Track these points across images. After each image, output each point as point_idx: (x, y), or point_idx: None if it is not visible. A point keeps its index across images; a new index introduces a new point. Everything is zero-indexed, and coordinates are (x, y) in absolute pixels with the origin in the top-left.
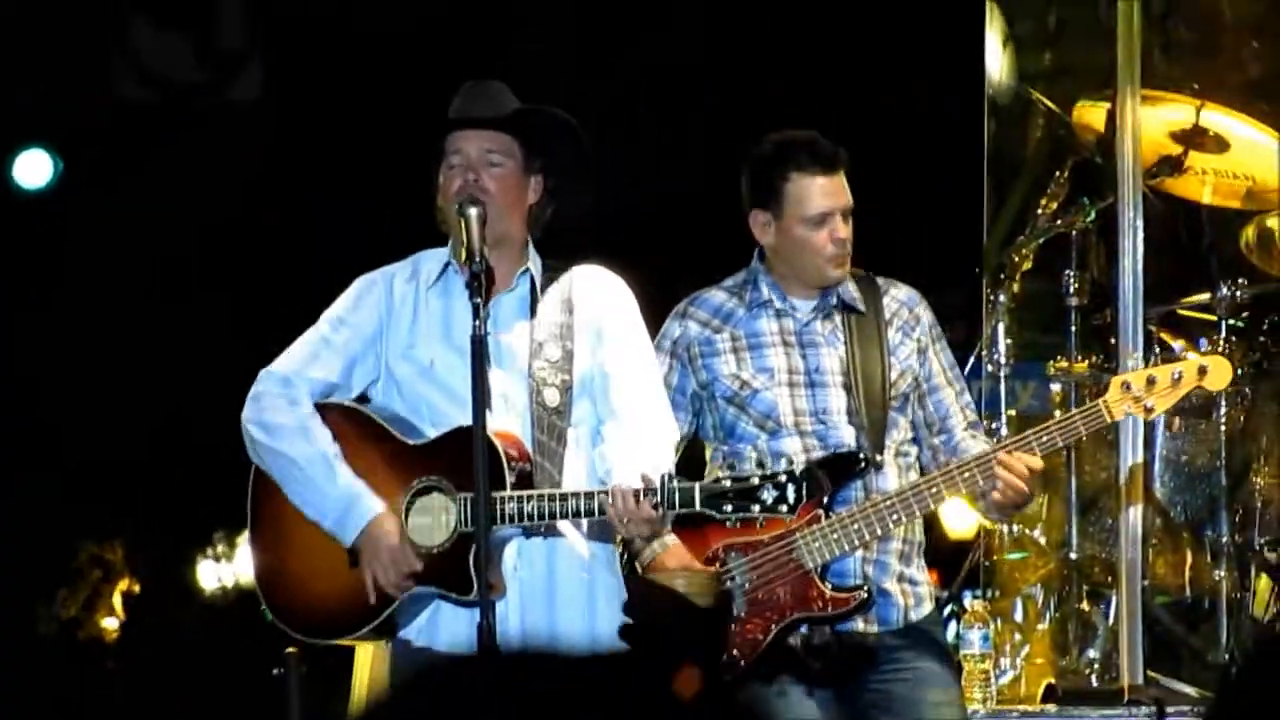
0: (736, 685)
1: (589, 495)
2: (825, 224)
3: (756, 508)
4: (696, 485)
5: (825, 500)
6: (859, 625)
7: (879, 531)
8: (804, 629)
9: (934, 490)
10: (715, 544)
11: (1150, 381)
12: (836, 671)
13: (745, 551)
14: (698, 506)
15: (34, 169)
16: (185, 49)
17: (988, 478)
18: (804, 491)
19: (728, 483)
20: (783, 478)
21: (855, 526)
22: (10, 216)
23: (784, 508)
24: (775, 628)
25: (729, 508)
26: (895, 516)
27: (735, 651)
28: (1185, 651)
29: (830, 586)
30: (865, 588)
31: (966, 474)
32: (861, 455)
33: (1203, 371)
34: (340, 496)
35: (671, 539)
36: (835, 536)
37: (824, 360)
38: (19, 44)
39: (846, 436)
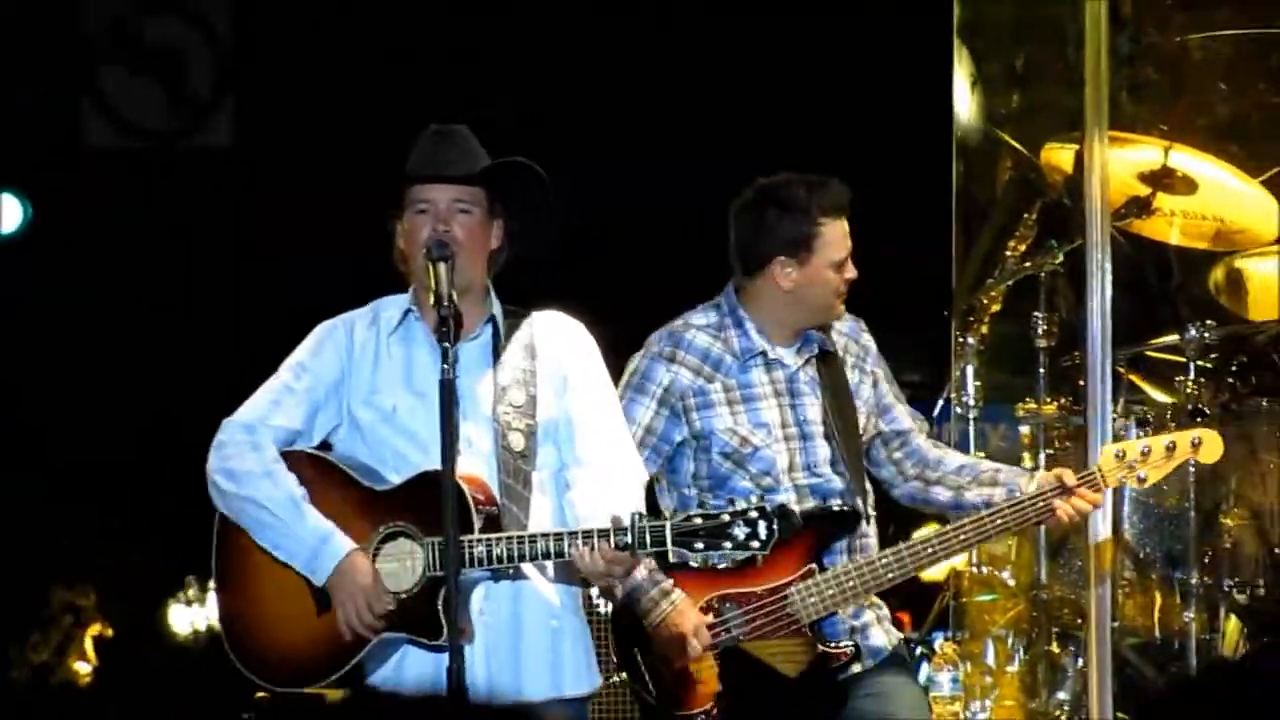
0: None
1: (558, 536)
2: (843, 267)
3: (729, 544)
4: (667, 524)
5: (819, 555)
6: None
7: (873, 588)
8: None
9: (930, 552)
10: (710, 594)
11: (1145, 452)
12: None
13: (740, 603)
14: (669, 545)
15: (3, 214)
16: (157, 96)
17: (1025, 516)
18: (775, 528)
19: (699, 520)
20: (754, 514)
21: (850, 583)
22: None
23: (756, 544)
24: (766, 679)
25: (700, 545)
26: (891, 575)
27: (718, 707)
28: (1154, 694)
29: (821, 641)
30: (853, 643)
31: (1003, 518)
32: (855, 512)
33: (1195, 445)
34: (310, 537)
35: (679, 595)
36: (830, 593)
37: (808, 411)
38: None
39: (837, 487)
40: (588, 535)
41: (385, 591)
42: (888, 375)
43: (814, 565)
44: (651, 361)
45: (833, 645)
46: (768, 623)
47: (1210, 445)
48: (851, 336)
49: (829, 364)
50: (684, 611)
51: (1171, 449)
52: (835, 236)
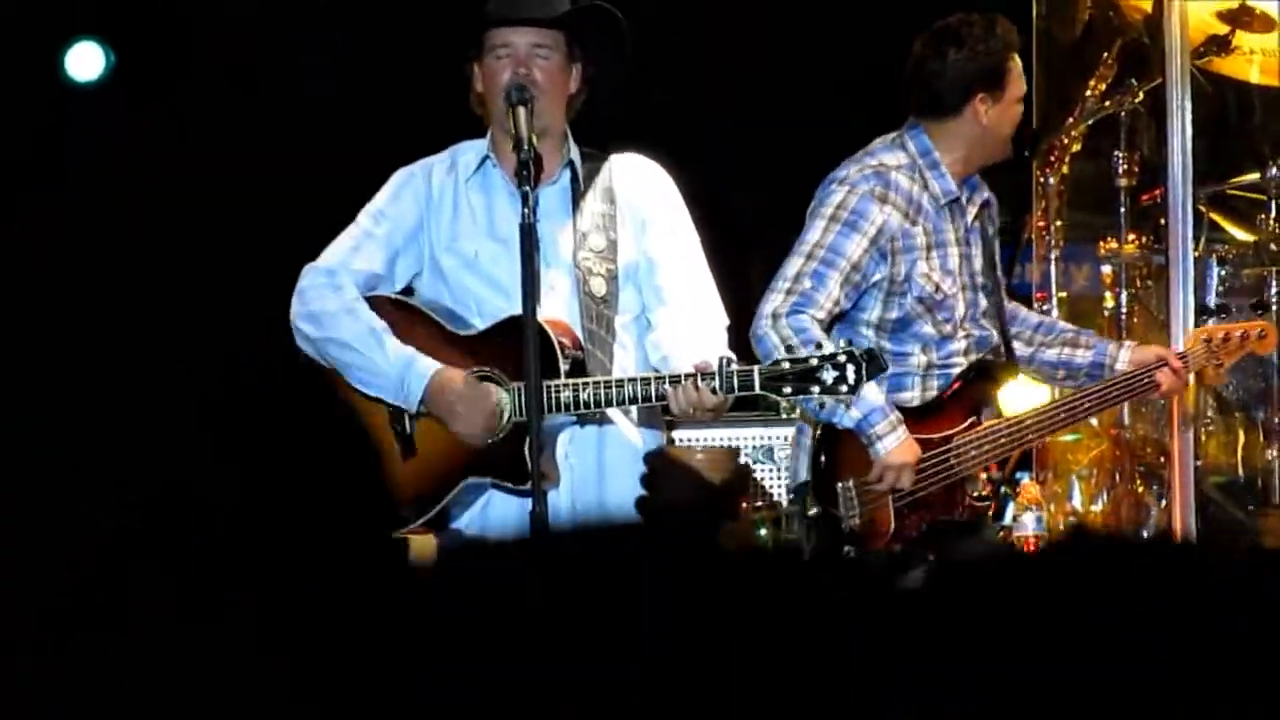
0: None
1: (645, 381)
2: (1021, 102)
3: (816, 388)
4: (755, 368)
5: (980, 409)
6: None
7: (1018, 445)
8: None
9: (1062, 417)
10: None
11: (1225, 339)
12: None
13: (920, 449)
14: (757, 389)
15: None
16: None
17: (1133, 389)
18: (863, 371)
19: (786, 364)
20: (841, 358)
21: (1000, 439)
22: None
23: (844, 387)
24: (925, 525)
25: (788, 389)
26: (1031, 435)
27: (895, 545)
28: (1238, 532)
29: (970, 494)
30: (996, 501)
31: (1117, 390)
32: (1013, 364)
33: (1261, 336)
34: (394, 364)
35: (904, 428)
36: (986, 447)
37: (975, 261)
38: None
39: (994, 340)
40: (675, 379)
41: (491, 396)
42: None
43: (976, 418)
44: (863, 199)
45: (979, 500)
46: (936, 469)
47: (1270, 338)
48: (992, 198)
49: (984, 220)
50: (912, 443)
51: (1244, 339)
52: (1019, 70)
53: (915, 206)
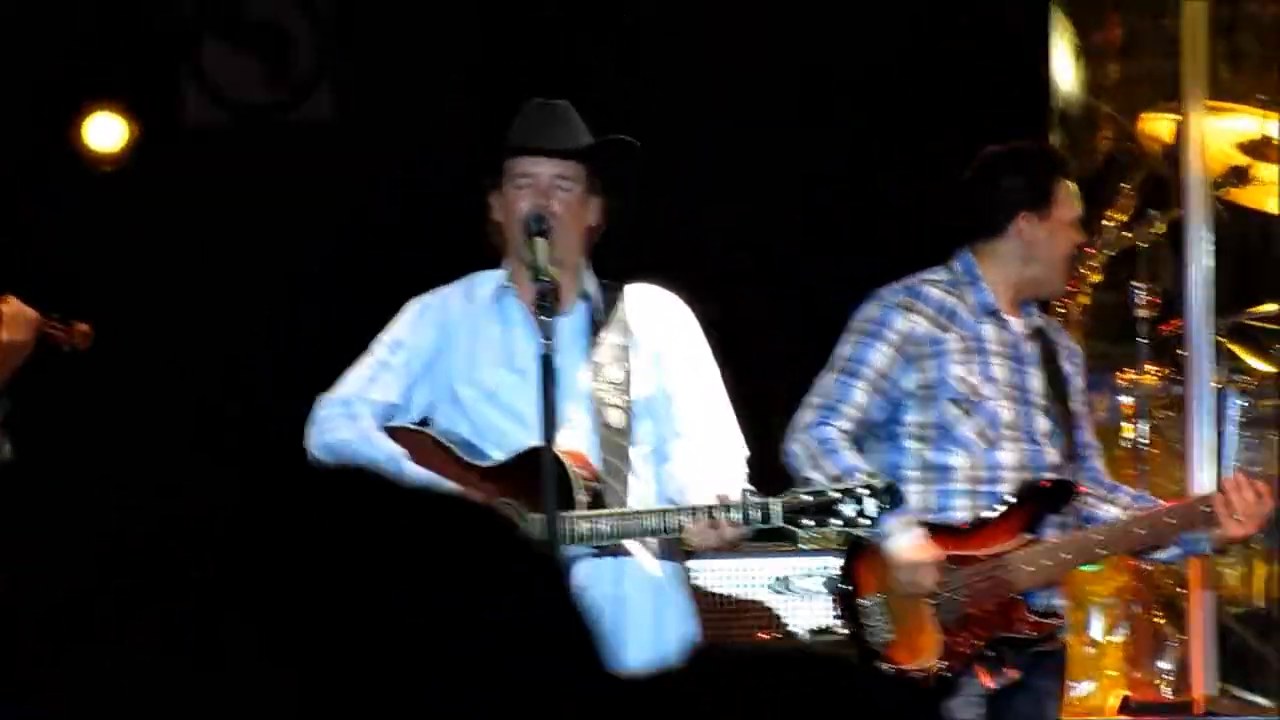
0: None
1: (664, 513)
2: (1078, 228)
3: (837, 521)
4: (775, 501)
5: (1039, 528)
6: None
7: (1083, 562)
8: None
9: (1140, 534)
10: (943, 551)
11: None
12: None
13: (961, 565)
14: (777, 522)
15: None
16: (255, 70)
17: (1204, 520)
18: (883, 505)
19: (807, 497)
20: (862, 491)
21: (1064, 555)
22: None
23: (865, 520)
24: (981, 644)
25: (809, 521)
26: (1101, 551)
27: (944, 662)
28: (1259, 663)
29: (1031, 610)
30: (1060, 615)
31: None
32: (1071, 486)
33: None
34: None
35: (920, 530)
36: (1045, 563)
37: (1031, 380)
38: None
39: (1052, 459)
40: (695, 511)
41: None
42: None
43: (1031, 536)
44: (886, 310)
45: (1043, 616)
46: (987, 586)
47: None
48: (1060, 331)
49: (1045, 343)
50: (926, 544)
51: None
52: (1070, 193)
53: (947, 314)
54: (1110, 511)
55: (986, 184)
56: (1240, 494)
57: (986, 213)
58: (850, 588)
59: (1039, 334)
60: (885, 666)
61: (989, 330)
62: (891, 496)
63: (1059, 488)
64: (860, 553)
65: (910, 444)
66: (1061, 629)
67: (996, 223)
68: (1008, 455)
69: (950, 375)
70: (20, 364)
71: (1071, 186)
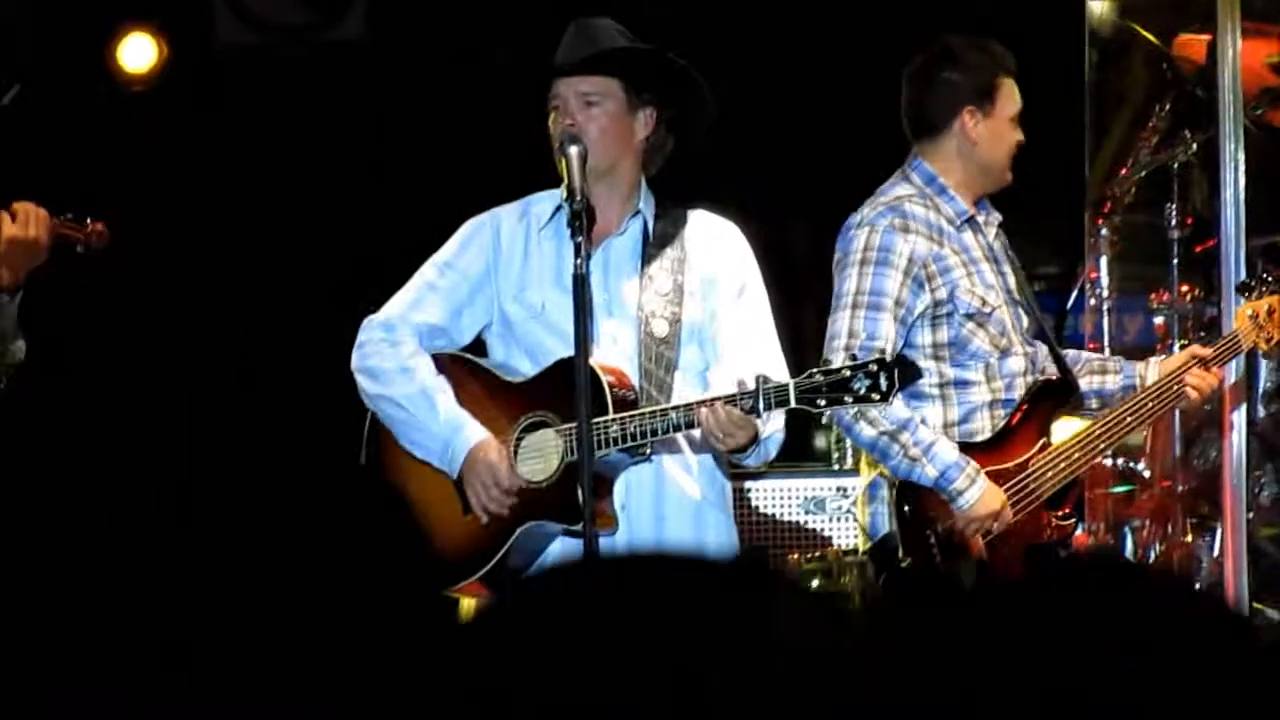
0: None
1: (688, 407)
2: (1017, 125)
3: (849, 398)
4: (790, 382)
5: (1048, 429)
6: None
7: (1091, 461)
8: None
9: (1130, 422)
10: None
11: (1270, 312)
12: None
13: (1000, 479)
14: (793, 403)
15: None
16: None
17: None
18: (895, 378)
19: (820, 376)
20: (873, 366)
21: (1074, 454)
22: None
23: (876, 395)
24: (1015, 556)
25: (823, 401)
26: (1102, 445)
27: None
28: None
29: (1055, 515)
30: (1072, 515)
31: (1153, 402)
32: (1072, 382)
33: None
34: (442, 429)
35: (984, 476)
36: (1062, 464)
37: (1009, 279)
38: None
39: (1043, 352)
40: (713, 399)
41: (514, 472)
42: None
43: (1047, 438)
44: (886, 234)
45: (1062, 518)
46: (1018, 499)
47: None
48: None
49: (1001, 234)
50: (995, 491)
51: None
52: (1011, 89)
53: (936, 230)
54: (1106, 384)
55: (929, 81)
56: (1203, 378)
57: (930, 110)
58: (912, 515)
59: (1000, 227)
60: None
61: (969, 238)
62: (904, 369)
63: (1062, 385)
64: (914, 486)
65: (928, 363)
66: (1077, 526)
67: (940, 120)
68: (1016, 360)
69: (960, 290)
70: (37, 263)
71: (1013, 83)
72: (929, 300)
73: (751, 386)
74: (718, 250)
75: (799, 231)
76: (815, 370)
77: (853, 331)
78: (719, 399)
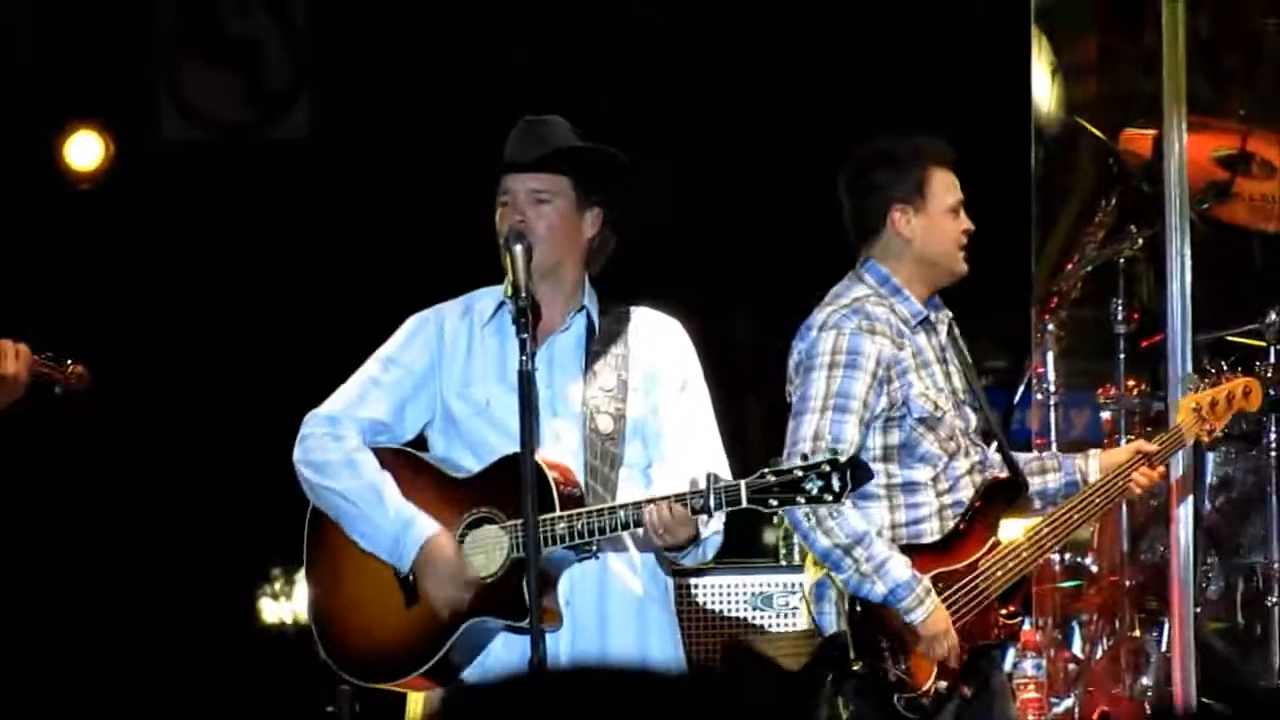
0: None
1: (636, 505)
2: (958, 215)
3: (802, 498)
4: (741, 482)
5: (997, 528)
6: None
7: (1039, 559)
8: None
9: (1077, 519)
10: (926, 574)
11: (1212, 404)
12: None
13: (950, 581)
14: (744, 503)
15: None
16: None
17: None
18: (848, 479)
19: (772, 477)
20: (825, 467)
21: (1023, 553)
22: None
23: (829, 496)
24: (965, 657)
25: (775, 501)
26: (1050, 543)
27: (942, 681)
28: (1238, 678)
29: (1001, 613)
30: (1019, 613)
31: (1099, 498)
32: (1022, 481)
33: (1246, 393)
34: (393, 524)
35: (934, 594)
36: (1011, 564)
37: (956, 379)
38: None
39: (989, 453)
40: (665, 498)
41: (470, 570)
42: None
43: (995, 538)
44: (853, 337)
45: (1006, 615)
46: (967, 599)
47: (1255, 394)
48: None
49: (953, 331)
50: (943, 611)
51: (1230, 400)
52: (945, 181)
53: (896, 331)
54: (1048, 483)
55: (859, 184)
56: (1147, 475)
57: (863, 212)
58: (863, 618)
59: (951, 324)
60: (898, 697)
61: (923, 340)
62: (855, 471)
63: (1011, 484)
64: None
65: (876, 465)
66: (1023, 623)
67: (874, 220)
68: (963, 462)
69: (914, 393)
70: (14, 399)
71: (948, 174)
72: (886, 403)
73: (702, 485)
74: (660, 345)
75: (741, 324)
76: (767, 470)
77: (818, 434)
78: (669, 498)
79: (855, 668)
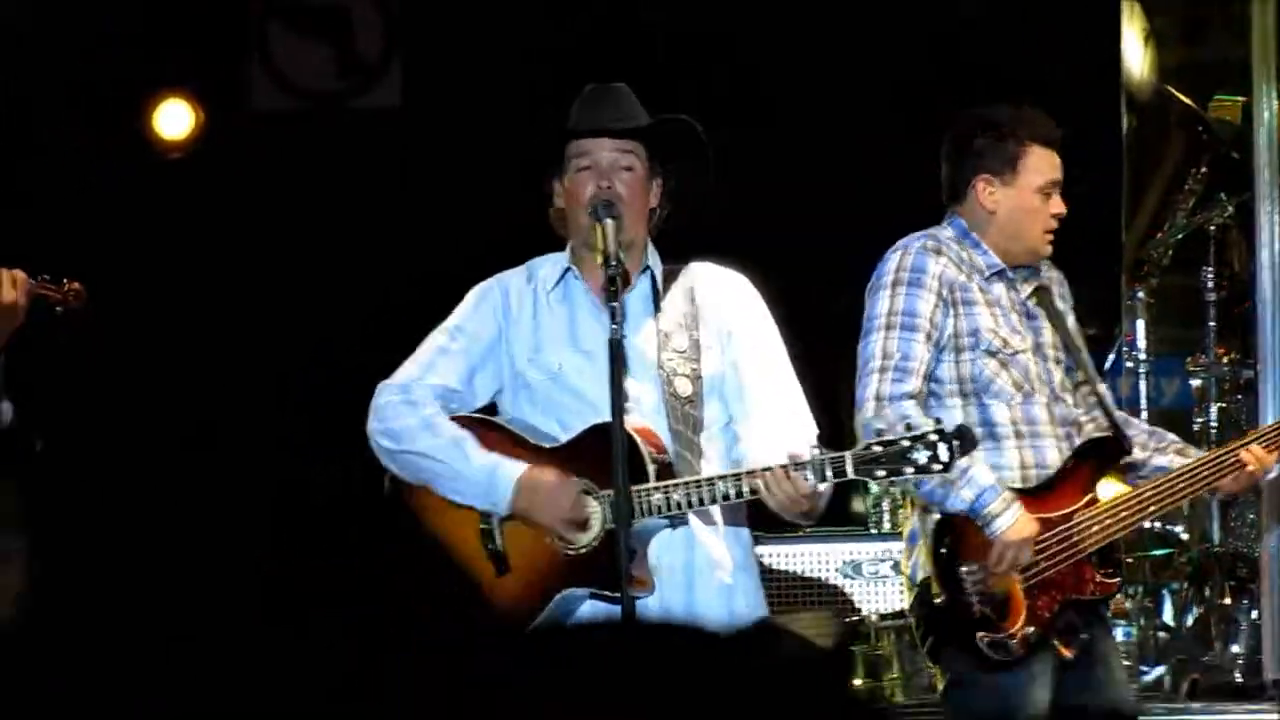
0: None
1: (736, 477)
2: (1050, 197)
3: (910, 469)
4: (847, 454)
5: (1096, 486)
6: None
7: (1140, 519)
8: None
9: (1182, 489)
10: None
11: None
12: (1079, 651)
13: (1044, 528)
14: (850, 475)
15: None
16: (323, 57)
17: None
18: (955, 449)
19: (878, 448)
20: (933, 437)
21: (1123, 513)
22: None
23: (937, 466)
24: (1057, 607)
25: (882, 472)
26: (1151, 507)
27: (1030, 627)
28: None
29: (1099, 570)
30: (1121, 571)
31: (1208, 470)
32: (1122, 442)
33: None
34: (479, 471)
35: (1019, 505)
36: (1108, 522)
37: (1044, 334)
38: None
39: (1077, 413)
40: (767, 471)
41: (580, 484)
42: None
43: (1094, 494)
44: (918, 255)
45: (1108, 575)
46: (1060, 549)
47: None
48: (1060, 279)
49: (1046, 300)
50: (1028, 518)
51: None
52: (1042, 160)
53: (967, 265)
54: (1159, 460)
55: (954, 148)
56: (1260, 455)
57: (952, 176)
58: (947, 552)
59: (1043, 289)
60: (981, 635)
61: (1000, 289)
62: (963, 441)
63: (1113, 444)
64: (951, 525)
65: (954, 401)
66: (1122, 586)
67: (960, 186)
68: (1041, 409)
69: (982, 326)
70: (13, 326)
71: (1048, 154)
72: (954, 327)
73: (806, 456)
74: (728, 300)
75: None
76: (873, 441)
77: (886, 352)
78: (771, 469)
79: (937, 601)
